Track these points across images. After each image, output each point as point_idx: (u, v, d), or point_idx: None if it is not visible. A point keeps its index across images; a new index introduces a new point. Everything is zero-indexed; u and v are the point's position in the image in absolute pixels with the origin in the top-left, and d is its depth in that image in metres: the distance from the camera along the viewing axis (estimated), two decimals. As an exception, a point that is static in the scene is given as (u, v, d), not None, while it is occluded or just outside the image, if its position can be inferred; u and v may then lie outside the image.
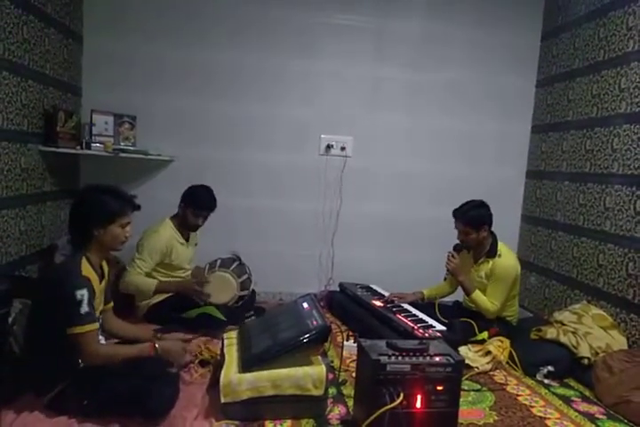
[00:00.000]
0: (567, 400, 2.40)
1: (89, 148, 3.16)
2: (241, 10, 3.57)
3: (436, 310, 2.96)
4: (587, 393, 2.49)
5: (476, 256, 3.03)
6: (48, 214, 3.10)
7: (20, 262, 2.76)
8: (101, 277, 2.06)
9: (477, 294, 2.90)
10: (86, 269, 1.92)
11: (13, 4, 2.57)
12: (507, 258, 2.93)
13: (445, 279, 3.12)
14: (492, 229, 3.00)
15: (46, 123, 2.98)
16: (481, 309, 2.90)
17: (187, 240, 3.10)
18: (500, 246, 2.95)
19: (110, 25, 3.47)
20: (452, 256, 2.92)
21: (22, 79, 2.70)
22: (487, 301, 2.88)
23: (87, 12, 3.47)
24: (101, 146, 3.18)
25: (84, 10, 3.46)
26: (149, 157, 3.36)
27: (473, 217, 2.88)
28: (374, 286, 3.54)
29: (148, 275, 2.93)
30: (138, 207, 2.11)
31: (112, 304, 2.24)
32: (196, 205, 3.00)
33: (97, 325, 1.93)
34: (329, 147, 3.73)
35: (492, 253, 2.93)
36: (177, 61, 3.55)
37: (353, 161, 3.75)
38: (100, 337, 2.12)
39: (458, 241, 3.00)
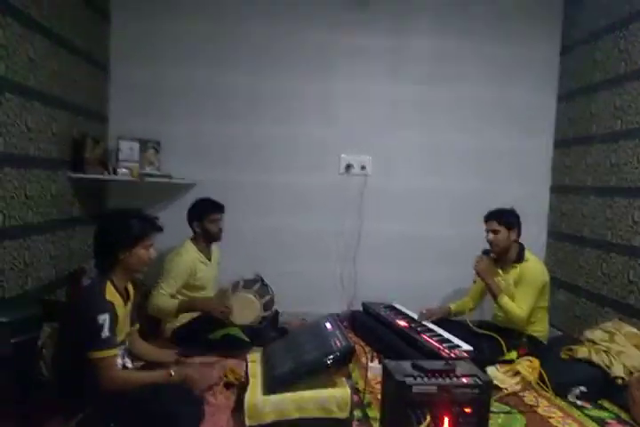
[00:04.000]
0: (602, 422, 2.32)
1: (116, 173, 3.26)
2: (258, 33, 3.66)
3: (469, 323, 2.93)
4: (622, 415, 2.40)
5: (503, 264, 3.03)
6: (77, 239, 3.18)
7: (49, 286, 2.83)
8: (127, 299, 2.09)
9: (504, 298, 2.87)
10: (110, 293, 1.96)
11: (46, 38, 2.69)
12: (535, 263, 2.97)
13: (475, 282, 3.09)
14: (519, 244, 3.00)
15: (74, 150, 3.09)
16: (509, 313, 2.86)
17: (209, 259, 3.14)
18: (528, 254, 2.98)
19: (134, 55, 3.60)
20: (481, 259, 2.96)
21: (52, 109, 2.81)
22: (515, 305, 2.84)
23: (113, 44, 3.61)
24: (128, 171, 3.27)
25: (111, 41, 3.60)
26: (173, 180, 3.43)
27: (505, 217, 2.98)
28: (398, 306, 3.50)
29: (173, 297, 2.97)
30: (160, 229, 2.14)
31: (138, 326, 2.27)
32: (210, 211, 3.08)
33: (116, 351, 1.95)
34: (349, 166, 3.75)
35: (520, 259, 2.96)
36: (198, 87, 3.65)
37: (373, 180, 3.76)
38: (127, 360, 2.15)
39: (482, 252, 3.02)
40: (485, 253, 3.02)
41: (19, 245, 2.50)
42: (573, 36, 3.70)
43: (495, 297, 2.91)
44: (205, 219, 3.07)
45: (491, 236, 2.97)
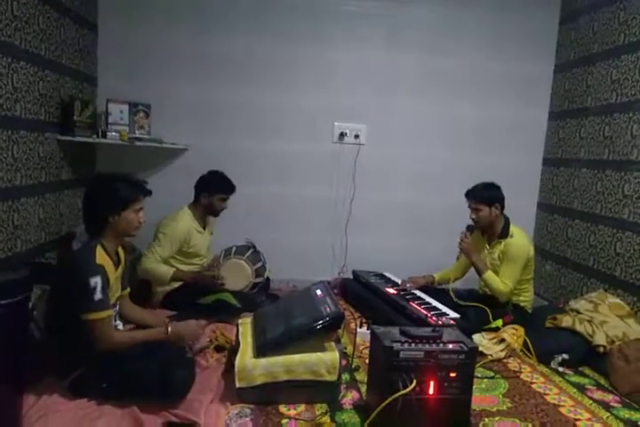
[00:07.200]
0: (582, 388, 2.39)
1: (105, 136, 3.20)
2: (254, -3, 3.55)
3: (452, 295, 2.95)
4: (602, 381, 2.47)
5: (490, 238, 3.04)
6: (66, 202, 3.15)
7: (39, 249, 2.81)
8: (117, 263, 2.09)
9: (490, 275, 2.90)
10: (101, 257, 1.95)
11: (30, -6, 2.59)
12: (519, 238, 2.94)
13: (458, 259, 3.12)
14: (508, 216, 3.01)
15: (63, 112, 3.02)
16: (493, 290, 2.90)
17: (204, 228, 3.13)
18: (513, 228, 2.97)
19: (124, 14, 3.48)
20: (465, 236, 2.96)
21: (39, 69, 2.73)
22: (500, 281, 2.88)
23: (102, 2, 3.48)
24: (117, 135, 3.21)
25: (100, 0, 3.47)
26: (164, 145, 3.38)
27: (485, 194, 2.94)
28: (387, 274, 3.55)
29: (166, 262, 2.97)
30: (149, 192, 2.14)
31: (128, 290, 2.28)
32: (224, 190, 3.06)
33: (111, 311, 1.97)
34: (342, 135, 3.71)
35: (505, 234, 2.95)
36: (190, 49, 3.55)
37: (366, 149, 3.73)
38: (118, 322, 2.17)
39: (466, 228, 3.02)
40: (469, 228, 3.02)
41: (7, 208, 2.48)
42: (573, 5, 3.63)
43: (480, 274, 2.94)
44: (216, 195, 3.05)
45: (473, 214, 2.96)
